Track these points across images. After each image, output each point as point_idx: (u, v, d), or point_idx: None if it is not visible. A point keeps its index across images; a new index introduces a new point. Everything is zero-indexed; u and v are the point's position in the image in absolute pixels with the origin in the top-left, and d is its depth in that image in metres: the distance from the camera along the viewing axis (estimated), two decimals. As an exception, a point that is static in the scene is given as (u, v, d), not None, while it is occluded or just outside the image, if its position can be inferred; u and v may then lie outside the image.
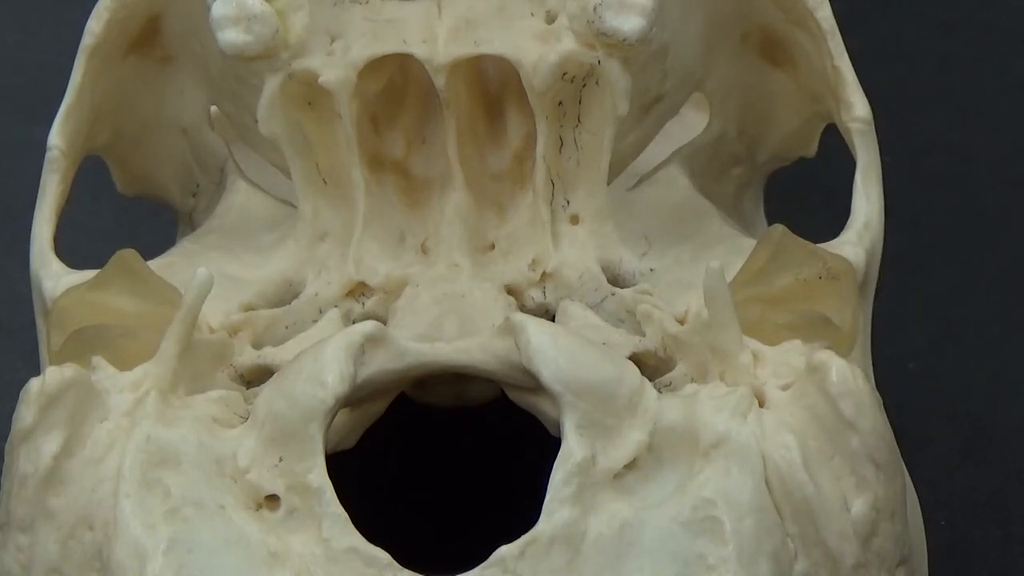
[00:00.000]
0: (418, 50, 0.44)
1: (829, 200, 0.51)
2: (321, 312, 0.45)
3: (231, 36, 0.44)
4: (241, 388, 0.43)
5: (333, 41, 0.44)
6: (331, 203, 0.46)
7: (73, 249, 0.47)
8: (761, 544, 0.38)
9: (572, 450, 0.38)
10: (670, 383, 0.42)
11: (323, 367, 0.39)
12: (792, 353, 0.41)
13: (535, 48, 0.44)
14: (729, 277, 0.42)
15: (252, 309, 0.45)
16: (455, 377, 0.43)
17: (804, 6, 0.47)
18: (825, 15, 0.47)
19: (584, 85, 0.45)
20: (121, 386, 0.41)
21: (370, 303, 0.45)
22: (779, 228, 0.44)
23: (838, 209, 0.47)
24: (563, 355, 0.39)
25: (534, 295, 0.45)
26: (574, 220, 0.46)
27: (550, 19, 0.44)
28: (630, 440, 0.39)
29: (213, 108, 0.50)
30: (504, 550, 0.38)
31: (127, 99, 0.50)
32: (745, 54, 0.50)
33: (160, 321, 0.42)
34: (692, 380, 0.42)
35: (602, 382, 0.39)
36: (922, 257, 0.65)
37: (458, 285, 0.44)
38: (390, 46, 0.45)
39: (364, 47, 0.44)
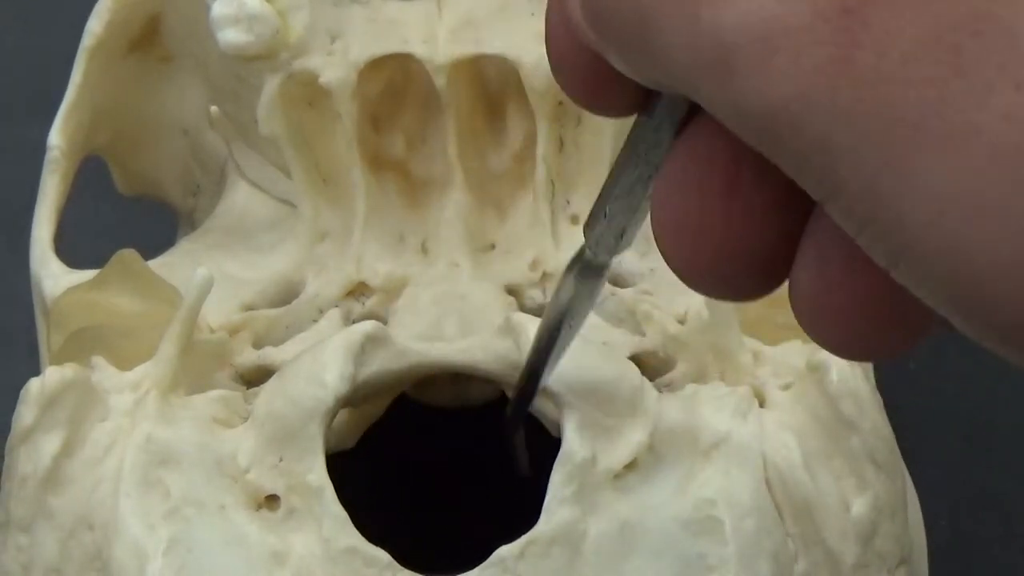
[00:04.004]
0: (418, 50, 0.44)
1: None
2: (321, 312, 0.45)
3: (231, 36, 0.44)
4: (241, 388, 0.43)
5: (333, 41, 0.44)
6: (331, 203, 0.46)
7: (73, 249, 0.47)
8: (761, 544, 0.38)
9: (572, 450, 0.38)
10: (670, 383, 0.42)
11: (323, 367, 0.39)
12: (792, 353, 0.41)
13: (535, 48, 0.44)
14: (729, 277, 0.42)
15: (252, 309, 0.45)
16: (455, 377, 0.43)
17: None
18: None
19: (584, 85, 0.44)
20: (121, 386, 0.41)
21: (370, 303, 0.45)
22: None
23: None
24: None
25: (534, 295, 0.45)
26: (574, 220, 0.46)
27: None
28: (630, 440, 0.39)
29: (213, 108, 0.50)
30: (504, 550, 0.38)
31: (127, 99, 0.50)
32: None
33: (160, 321, 0.42)
34: (692, 380, 0.42)
35: (602, 382, 0.39)
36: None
37: (458, 285, 0.44)
38: (390, 46, 0.45)
39: (364, 47, 0.44)
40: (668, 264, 0.26)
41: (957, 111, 0.22)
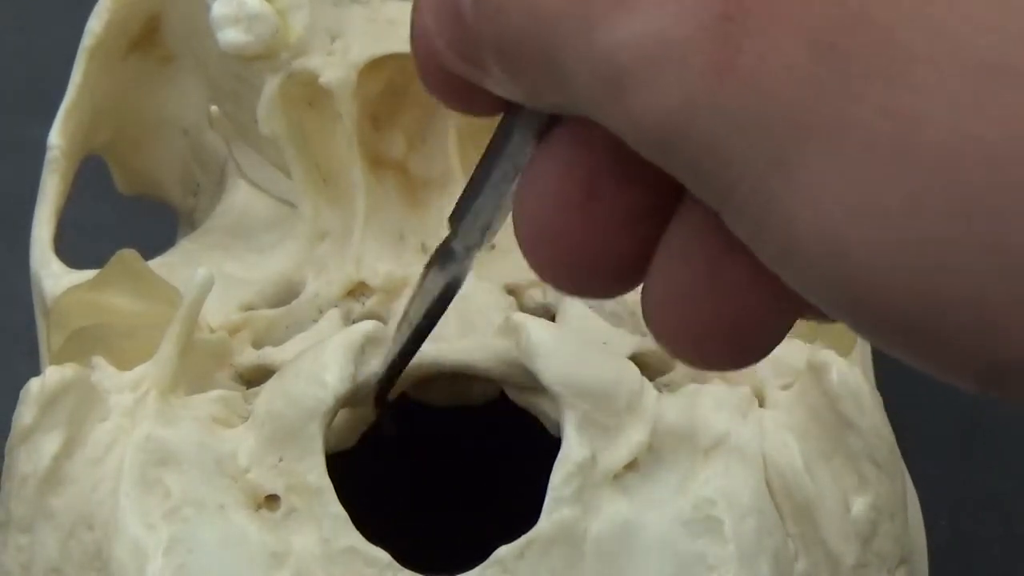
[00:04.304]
0: (418, 50, 0.44)
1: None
2: (321, 312, 0.45)
3: (231, 36, 0.44)
4: (241, 388, 0.43)
5: (333, 41, 0.44)
6: (331, 203, 0.46)
7: (73, 249, 0.47)
8: (761, 544, 0.38)
9: (572, 450, 0.38)
10: (670, 383, 0.42)
11: (323, 367, 0.39)
12: (792, 353, 0.41)
13: (535, 48, 0.44)
14: (729, 277, 0.42)
15: (252, 309, 0.45)
16: (455, 377, 0.43)
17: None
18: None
19: (584, 85, 0.44)
20: (121, 386, 0.41)
21: (370, 303, 0.45)
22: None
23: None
24: (563, 355, 0.39)
25: (534, 295, 0.45)
26: (574, 220, 0.46)
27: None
28: (630, 440, 0.39)
29: (213, 108, 0.50)
30: (504, 550, 0.38)
31: (127, 99, 0.50)
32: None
33: (160, 321, 0.42)
34: (692, 380, 0.42)
35: (602, 382, 0.39)
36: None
37: (458, 285, 0.44)
38: (390, 46, 0.45)
39: (364, 47, 0.44)
40: (527, 262, 0.27)
41: (834, 107, 0.22)
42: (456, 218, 0.30)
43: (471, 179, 0.29)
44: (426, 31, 0.27)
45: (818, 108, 0.22)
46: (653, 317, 0.26)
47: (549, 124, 0.27)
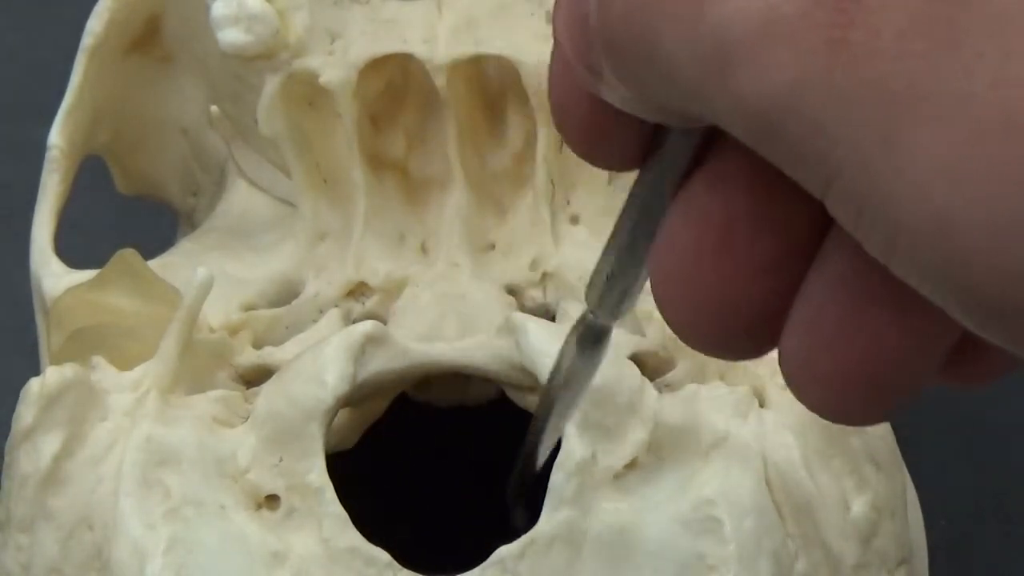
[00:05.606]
0: (418, 50, 0.44)
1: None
2: (321, 312, 0.45)
3: (231, 36, 0.44)
4: (241, 388, 0.43)
5: (333, 41, 0.44)
6: (331, 203, 0.46)
7: (73, 249, 0.47)
8: (761, 544, 0.38)
9: (572, 450, 0.38)
10: (670, 383, 0.42)
11: (323, 367, 0.39)
12: (792, 353, 0.41)
13: (535, 48, 0.44)
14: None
15: (252, 309, 0.45)
16: (455, 377, 0.43)
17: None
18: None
19: (584, 85, 0.44)
20: (121, 386, 0.41)
21: (370, 303, 0.45)
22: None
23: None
24: (563, 355, 0.39)
25: (534, 295, 0.45)
26: (574, 220, 0.46)
27: (551, 19, 0.44)
28: (630, 440, 0.39)
29: (213, 108, 0.50)
30: (504, 550, 0.38)
31: (127, 99, 0.50)
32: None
33: (160, 321, 0.42)
34: (692, 380, 0.42)
35: (602, 382, 0.39)
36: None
37: (458, 285, 0.44)
38: (390, 46, 0.45)
39: (364, 47, 0.44)
40: (667, 324, 0.26)
41: (947, 82, 0.22)
42: (592, 288, 0.29)
43: (606, 248, 0.28)
44: (561, 53, 0.26)
45: (930, 84, 0.22)
46: (793, 371, 0.25)
47: (684, 177, 0.26)
